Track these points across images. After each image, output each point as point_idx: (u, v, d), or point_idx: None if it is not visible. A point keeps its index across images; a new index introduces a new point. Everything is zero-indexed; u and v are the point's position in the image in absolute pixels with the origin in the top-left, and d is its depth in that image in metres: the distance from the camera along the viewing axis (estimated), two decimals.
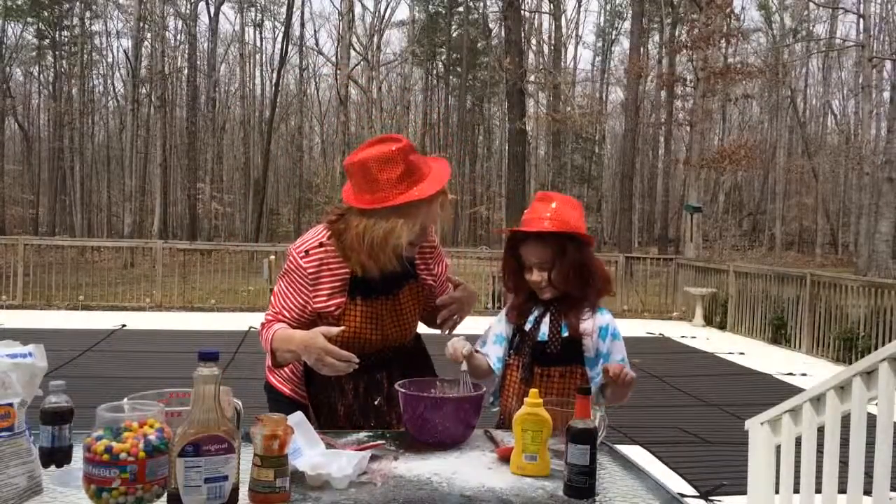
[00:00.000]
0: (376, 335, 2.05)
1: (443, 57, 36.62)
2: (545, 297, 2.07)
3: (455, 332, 2.13)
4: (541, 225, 2.02)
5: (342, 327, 1.96)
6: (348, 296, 2.01)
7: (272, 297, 2.09)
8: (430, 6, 35.22)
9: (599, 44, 38.66)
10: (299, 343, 1.93)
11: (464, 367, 1.93)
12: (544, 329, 2.05)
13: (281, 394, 2.15)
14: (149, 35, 29.53)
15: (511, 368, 2.09)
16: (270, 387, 2.19)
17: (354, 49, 30.81)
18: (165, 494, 1.31)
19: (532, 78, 25.33)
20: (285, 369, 2.14)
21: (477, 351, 2.14)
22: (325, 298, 2.01)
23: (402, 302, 2.08)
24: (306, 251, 2.01)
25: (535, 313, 2.08)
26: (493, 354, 2.12)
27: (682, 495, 2.26)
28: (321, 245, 2.01)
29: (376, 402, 2.06)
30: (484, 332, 2.19)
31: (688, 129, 21.18)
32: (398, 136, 1.96)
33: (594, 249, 2.16)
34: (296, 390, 2.14)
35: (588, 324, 2.05)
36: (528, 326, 2.07)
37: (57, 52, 33.08)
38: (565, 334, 2.04)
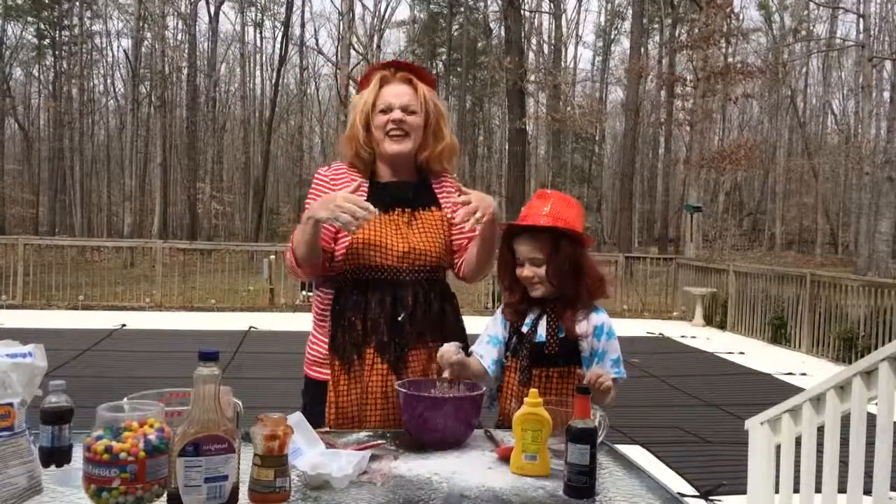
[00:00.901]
0: (402, 242, 2.09)
1: (443, 57, 36.62)
2: (535, 294, 2.06)
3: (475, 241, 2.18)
4: (536, 220, 2.03)
5: (361, 181, 2.12)
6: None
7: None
8: (431, 6, 35.22)
9: (599, 44, 38.70)
10: (314, 207, 2.00)
11: (446, 374, 1.94)
12: (541, 331, 2.05)
13: (323, 385, 2.12)
14: (149, 35, 29.53)
15: (509, 370, 2.09)
16: (312, 382, 2.18)
17: (354, 49, 30.77)
18: (165, 494, 1.31)
19: (532, 78, 25.32)
20: (321, 352, 2.14)
21: (470, 353, 2.14)
22: None
23: (425, 218, 2.16)
24: (328, 165, 2.27)
25: (533, 315, 2.08)
26: (488, 356, 2.11)
27: (682, 495, 2.26)
28: (340, 163, 2.25)
29: (399, 318, 2.07)
30: (482, 333, 2.19)
31: (688, 128, 21.18)
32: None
33: (592, 250, 2.15)
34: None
35: (583, 325, 2.05)
36: (525, 328, 2.08)
37: (57, 52, 33.09)
38: (562, 335, 2.04)
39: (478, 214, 1.99)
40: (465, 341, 2.14)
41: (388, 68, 2.20)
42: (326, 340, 2.14)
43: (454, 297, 2.24)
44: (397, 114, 2.12)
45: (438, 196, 2.23)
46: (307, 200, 2.17)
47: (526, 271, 2.05)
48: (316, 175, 2.25)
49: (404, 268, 2.10)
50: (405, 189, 2.18)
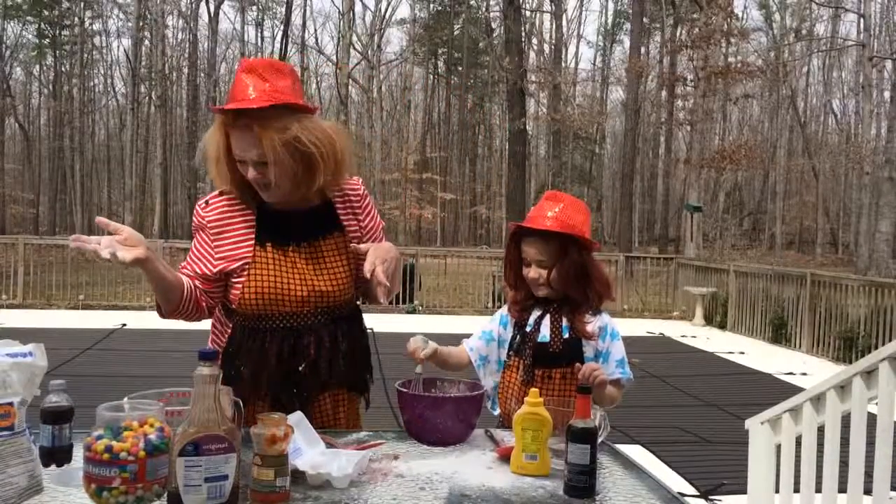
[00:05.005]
0: (300, 286, 1.88)
1: (444, 56, 36.62)
2: (539, 294, 2.07)
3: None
4: (544, 223, 2.02)
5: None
6: (256, 241, 1.90)
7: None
8: (432, 5, 35.21)
9: (600, 43, 38.71)
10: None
11: (418, 369, 1.92)
12: (545, 330, 2.05)
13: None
14: (149, 34, 29.53)
15: (511, 370, 2.09)
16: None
17: (355, 48, 30.80)
18: (165, 494, 1.31)
19: (532, 77, 25.32)
20: (216, 334, 2.04)
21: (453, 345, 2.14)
22: (230, 246, 1.91)
23: (325, 252, 1.93)
24: (206, 202, 1.96)
25: (536, 314, 2.09)
26: (477, 351, 2.12)
27: (682, 495, 2.26)
28: (221, 194, 1.94)
29: (300, 369, 1.90)
30: (477, 328, 2.20)
31: (688, 128, 21.18)
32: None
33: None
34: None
35: (595, 325, 2.06)
36: (528, 328, 2.08)
37: (57, 52, 33.11)
38: (566, 335, 2.04)
39: (379, 270, 1.79)
40: (372, 379, 2.05)
41: (226, 113, 1.81)
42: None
43: (364, 333, 2.05)
44: (252, 173, 1.82)
45: (342, 216, 1.98)
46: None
47: (532, 273, 2.05)
48: (195, 210, 1.97)
49: (305, 313, 1.90)
50: (302, 219, 1.92)
